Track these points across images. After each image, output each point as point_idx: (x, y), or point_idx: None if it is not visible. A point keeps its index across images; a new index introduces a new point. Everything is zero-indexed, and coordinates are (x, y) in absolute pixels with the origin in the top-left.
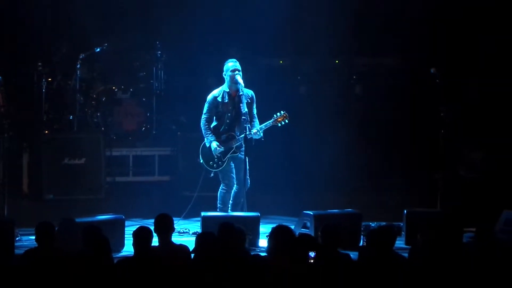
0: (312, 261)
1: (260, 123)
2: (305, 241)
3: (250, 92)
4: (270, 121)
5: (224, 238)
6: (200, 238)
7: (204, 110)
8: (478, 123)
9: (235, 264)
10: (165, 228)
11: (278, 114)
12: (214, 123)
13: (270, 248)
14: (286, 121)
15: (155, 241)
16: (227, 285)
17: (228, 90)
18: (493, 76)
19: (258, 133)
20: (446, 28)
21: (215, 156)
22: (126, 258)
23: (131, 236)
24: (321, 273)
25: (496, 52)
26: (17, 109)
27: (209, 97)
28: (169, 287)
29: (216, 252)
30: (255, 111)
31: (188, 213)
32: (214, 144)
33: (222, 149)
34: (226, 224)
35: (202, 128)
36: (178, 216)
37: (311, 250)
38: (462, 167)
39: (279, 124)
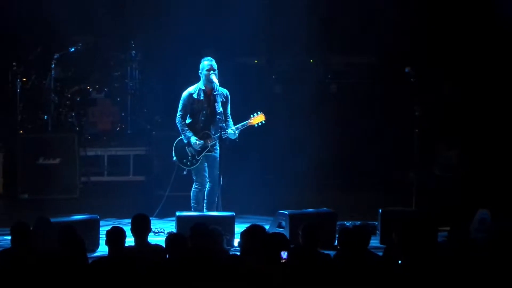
0: (284, 261)
1: (235, 123)
2: (277, 241)
3: (225, 91)
4: (245, 121)
5: (196, 239)
6: (168, 240)
7: (179, 107)
8: (453, 122)
9: (208, 264)
10: (142, 228)
11: (255, 114)
12: (188, 120)
13: (242, 248)
14: (263, 121)
15: (131, 241)
16: (201, 285)
17: (203, 88)
18: (467, 74)
19: (234, 133)
20: (421, 26)
21: (189, 154)
22: (101, 258)
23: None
24: (297, 272)
25: (471, 50)
26: None
27: (184, 93)
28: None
29: (188, 253)
30: (229, 110)
31: (163, 212)
32: (193, 139)
33: (201, 142)
34: (198, 225)
35: (178, 124)
36: (150, 215)
37: (284, 250)
38: (437, 166)
39: (256, 125)
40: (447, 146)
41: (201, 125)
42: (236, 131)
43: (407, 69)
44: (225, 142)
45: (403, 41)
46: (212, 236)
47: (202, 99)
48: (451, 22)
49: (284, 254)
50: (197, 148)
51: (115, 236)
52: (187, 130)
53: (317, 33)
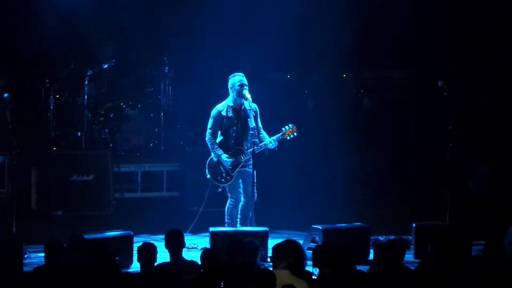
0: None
1: (269, 137)
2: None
3: (254, 106)
4: (279, 134)
5: (233, 254)
6: (203, 256)
7: (209, 125)
8: (487, 136)
9: (243, 279)
10: (176, 244)
11: (287, 127)
12: (220, 138)
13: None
14: (295, 134)
15: (166, 257)
16: None
17: (232, 104)
18: (501, 86)
19: (273, 142)
20: (455, 41)
21: (224, 171)
22: (132, 274)
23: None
24: None
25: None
26: (25, 126)
27: (213, 111)
28: None
29: (222, 268)
30: (260, 124)
31: (196, 228)
32: (224, 157)
33: (232, 159)
34: (235, 240)
35: (208, 142)
36: (184, 231)
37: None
38: (470, 180)
39: (288, 137)
40: (481, 160)
41: (233, 141)
42: (275, 141)
43: (439, 83)
44: (264, 154)
45: (436, 55)
46: (248, 249)
47: (232, 116)
48: (484, 35)
49: (315, 271)
50: (228, 165)
51: (146, 252)
52: (217, 148)
53: (350, 48)
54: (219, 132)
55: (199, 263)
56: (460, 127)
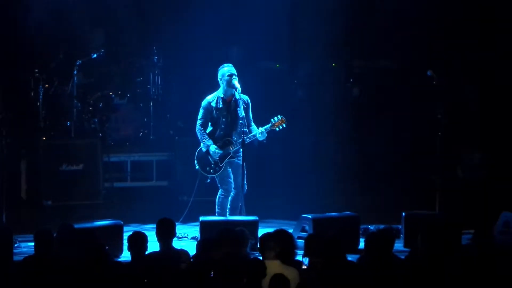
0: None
1: (258, 127)
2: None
3: (245, 97)
4: (267, 125)
5: (225, 243)
6: (202, 244)
7: (199, 116)
8: (476, 124)
9: (235, 268)
10: (168, 233)
11: (276, 118)
12: (209, 129)
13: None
14: (284, 125)
15: (156, 246)
16: None
17: (222, 95)
18: (490, 75)
19: (263, 133)
20: (443, 29)
21: (212, 162)
22: (123, 263)
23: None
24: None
25: (495, 52)
26: (14, 116)
27: (204, 102)
28: None
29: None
30: (251, 116)
31: (186, 218)
32: (212, 147)
33: (220, 151)
34: (227, 229)
35: (198, 133)
36: (176, 221)
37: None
38: (460, 169)
39: (277, 129)
40: (470, 149)
41: (222, 132)
42: (264, 132)
43: (429, 72)
44: (254, 144)
45: (425, 45)
46: (238, 238)
47: (221, 107)
48: (472, 24)
49: (305, 260)
50: (216, 157)
51: (137, 241)
52: (206, 138)
53: (339, 37)
54: (209, 123)
55: (189, 252)
56: (449, 115)
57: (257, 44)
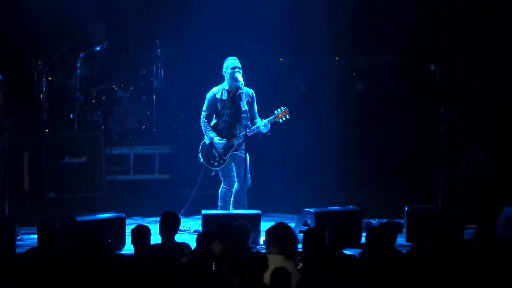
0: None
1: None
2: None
3: (250, 91)
4: (271, 117)
5: (225, 236)
6: (202, 238)
7: (204, 108)
8: (479, 120)
9: (237, 262)
10: (172, 226)
11: (279, 110)
12: (213, 121)
13: (267, 246)
14: (287, 116)
15: (159, 239)
16: (229, 282)
17: (227, 87)
18: (494, 71)
19: (266, 125)
20: (447, 25)
21: (216, 154)
22: (126, 256)
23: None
24: (325, 274)
25: (497, 47)
26: (17, 108)
27: (209, 94)
28: (170, 285)
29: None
30: (256, 109)
31: (188, 211)
32: (216, 139)
33: (224, 141)
34: (227, 223)
35: (202, 125)
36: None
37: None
38: (463, 164)
39: (280, 120)
40: (473, 144)
41: (226, 124)
42: (268, 124)
43: (432, 67)
44: (258, 137)
45: (428, 39)
46: (240, 232)
47: (226, 99)
48: (477, 19)
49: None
50: (220, 147)
51: (140, 234)
52: (210, 130)
53: (342, 32)
54: (214, 115)
55: (191, 245)
56: (452, 110)
57: (260, 37)
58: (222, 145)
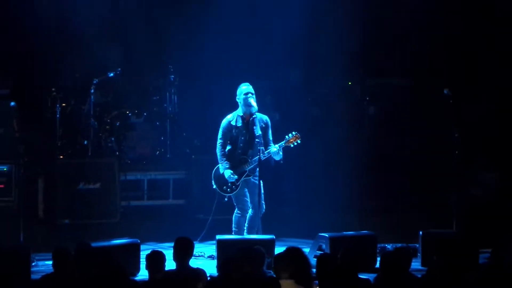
0: None
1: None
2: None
3: (264, 117)
4: (282, 142)
5: (246, 262)
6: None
7: (219, 135)
8: (493, 143)
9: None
10: (186, 251)
11: (290, 135)
12: (228, 147)
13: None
14: (298, 141)
15: (174, 265)
16: None
17: (242, 114)
18: (507, 93)
19: (278, 151)
20: (459, 48)
21: (229, 181)
22: (141, 282)
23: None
24: None
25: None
26: (31, 135)
27: (224, 122)
28: None
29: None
30: (271, 136)
31: (203, 236)
32: (228, 172)
33: (235, 177)
34: (248, 248)
35: (218, 153)
36: (194, 239)
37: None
38: (477, 188)
39: (292, 145)
40: (487, 167)
41: (240, 151)
42: (280, 151)
43: (445, 91)
44: (270, 165)
45: (440, 62)
46: (255, 257)
47: (241, 126)
48: (489, 40)
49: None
50: (231, 181)
51: (155, 260)
52: (225, 160)
53: (354, 55)
54: (228, 142)
55: (206, 271)
56: (465, 135)
57: (271, 62)
58: (233, 179)
